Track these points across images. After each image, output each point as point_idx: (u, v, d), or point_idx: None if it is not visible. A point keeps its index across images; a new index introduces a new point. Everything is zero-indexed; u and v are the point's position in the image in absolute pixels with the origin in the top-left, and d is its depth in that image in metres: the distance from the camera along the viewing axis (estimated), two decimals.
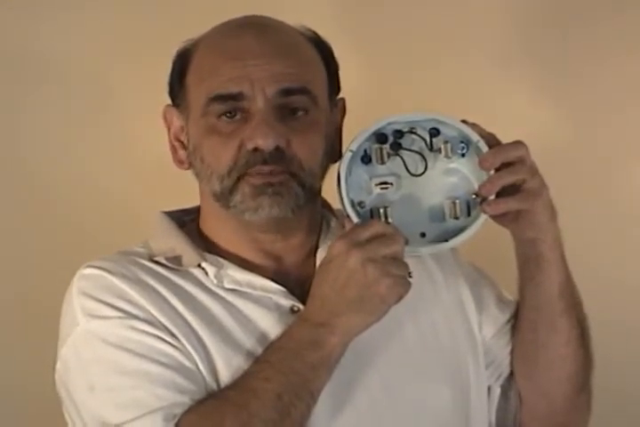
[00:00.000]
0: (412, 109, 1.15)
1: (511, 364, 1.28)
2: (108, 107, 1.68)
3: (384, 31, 1.71)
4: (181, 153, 1.21)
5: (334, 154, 1.18)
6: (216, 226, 1.21)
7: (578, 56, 1.73)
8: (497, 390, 1.28)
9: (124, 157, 1.68)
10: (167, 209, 1.26)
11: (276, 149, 1.11)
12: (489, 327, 1.27)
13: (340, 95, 1.24)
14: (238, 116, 1.13)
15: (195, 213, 1.26)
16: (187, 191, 1.22)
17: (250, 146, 1.12)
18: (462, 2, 1.73)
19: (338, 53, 1.21)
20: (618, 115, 1.73)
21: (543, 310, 1.22)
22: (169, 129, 1.22)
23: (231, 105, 1.13)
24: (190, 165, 1.19)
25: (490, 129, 1.15)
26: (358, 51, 1.67)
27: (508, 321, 1.28)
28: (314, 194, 1.18)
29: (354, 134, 1.14)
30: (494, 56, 1.73)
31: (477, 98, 1.69)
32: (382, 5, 1.71)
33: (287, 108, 1.13)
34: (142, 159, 1.67)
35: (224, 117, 1.13)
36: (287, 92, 1.13)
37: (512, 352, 1.28)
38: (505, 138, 1.14)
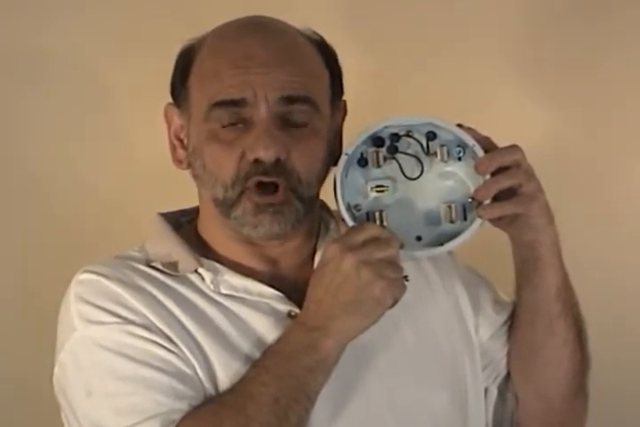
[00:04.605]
0: (414, 111, 1.15)
1: (508, 365, 1.28)
2: (106, 107, 1.69)
3: (387, 33, 1.71)
4: (180, 152, 1.21)
5: (335, 157, 1.18)
6: (213, 229, 1.21)
7: (578, 56, 1.73)
8: (494, 392, 1.29)
9: (122, 157, 1.69)
10: (165, 210, 1.26)
11: (276, 160, 1.11)
12: (486, 329, 1.27)
13: (343, 97, 1.23)
14: (240, 124, 1.13)
15: (193, 213, 1.26)
16: (185, 192, 1.22)
17: (251, 157, 1.12)
18: (465, 4, 1.73)
19: (340, 54, 1.21)
20: (618, 115, 1.73)
21: (540, 311, 1.22)
22: (169, 127, 1.22)
23: (233, 112, 1.13)
24: (189, 166, 1.19)
25: (491, 130, 1.15)
26: (361, 52, 1.67)
27: (505, 323, 1.28)
28: (312, 203, 1.18)
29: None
30: (497, 59, 1.73)
31: (479, 99, 1.70)
32: (386, 7, 1.71)
33: (289, 117, 1.13)
34: (140, 159, 1.67)
35: (225, 124, 1.13)
36: (289, 100, 1.12)
37: (509, 353, 1.28)
38: (506, 139, 1.14)
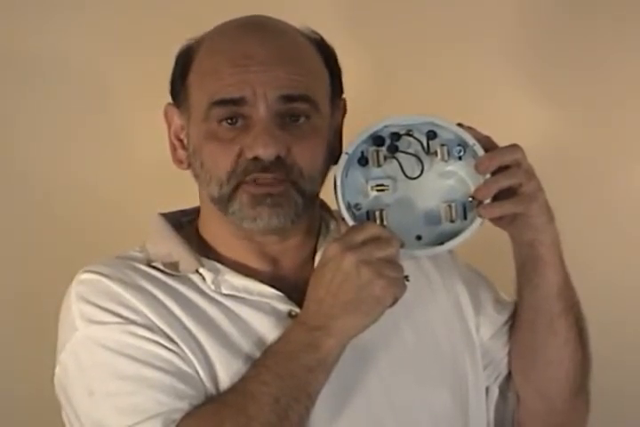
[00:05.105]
0: (414, 111, 1.15)
1: (509, 364, 1.29)
2: (106, 107, 1.68)
3: (387, 32, 1.71)
4: (181, 152, 1.21)
5: (335, 155, 1.18)
6: (214, 228, 1.21)
7: (578, 56, 1.73)
8: (495, 391, 1.29)
9: (122, 157, 1.68)
10: (165, 210, 1.26)
11: (276, 158, 1.11)
12: (487, 328, 1.27)
13: (343, 96, 1.23)
14: (239, 123, 1.13)
15: (193, 213, 1.26)
16: (185, 192, 1.22)
17: (250, 155, 1.11)
18: (465, 4, 1.73)
19: (340, 54, 1.21)
20: (618, 115, 1.73)
21: (541, 310, 1.22)
22: (169, 127, 1.22)
23: (232, 110, 1.12)
24: (189, 166, 1.19)
25: (491, 130, 1.15)
26: (361, 51, 1.67)
27: (506, 322, 1.29)
28: (313, 199, 1.18)
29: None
30: (497, 59, 1.73)
31: (479, 98, 1.70)
32: (385, 6, 1.71)
33: (288, 115, 1.13)
34: (140, 159, 1.67)
35: (225, 123, 1.13)
36: (289, 99, 1.12)
37: (510, 353, 1.28)
38: (506, 138, 1.14)
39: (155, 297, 1.13)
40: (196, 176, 1.18)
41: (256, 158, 1.11)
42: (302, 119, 1.14)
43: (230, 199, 1.14)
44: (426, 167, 1.15)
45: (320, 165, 1.16)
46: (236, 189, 1.13)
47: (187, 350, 1.10)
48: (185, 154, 1.20)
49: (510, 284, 1.25)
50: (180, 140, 1.21)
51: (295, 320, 1.11)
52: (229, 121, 1.13)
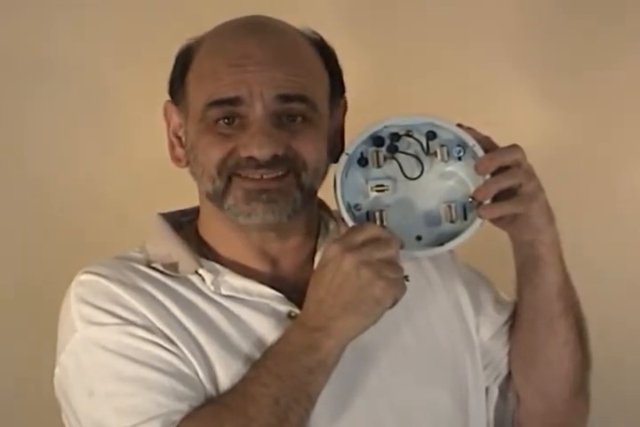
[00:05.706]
0: (414, 111, 1.15)
1: (509, 364, 1.29)
2: (106, 107, 1.68)
3: (388, 32, 1.71)
4: (179, 150, 1.21)
5: (336, 154, 1.17)
6: (213, 227, 1.21)
7: (578, 56, 1.73)
8: (495, 391, 1.29)
9: (123, 158, 1.68)
10: (165, 210, 1.25)
11: (273, 157, 1.11)
12: (487, 329, 1.27)
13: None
14: (236, 122, 1.13)
15: (193, 213, 1.26)
16: (185, 192, 1.22)
17: (244, 154, 1.11)
18: (466, 4, 1.73)
19: (340, 54, 1.21)
20: (618, 114, 1.73)
21: (541, 310, 1.22)
22: (168, 125, 1.22)
23: (229, 110, 1.12)
24: (187, 163, 1.19)
25: (491, 130, 1.15)
26: (361, 52, 1.67)
27: (506, 322, 1.29)
28: (312, 195, 1.18)
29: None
30: (497, 58, 1.73)
31: (479, 99, 1.70)
32: (385, 6, 1.71)
33: (285, 115, 1.12)
34: (140, 160, 1.67)
35: (221, 123, 1.13)
36: (286, 99, 1.12)
37: (510, 353, 1.28)
38: (506, 138, 1.14)
39: (154, 298, 1.13)
40: (193, 173, 1.18)
41: (250, 158, 1.11)
42: (299, 119, 1.13)
43: (225, 195, 1.13)
44: (426, 168, 1.15)
45: (324, 156, 1.16)
46: (229, 183, 1.13)
47: (186, 352, 1.10)
48: (183, 152, 1.20)
49: (510, 284, 1.25)
50: (179, 138, 1.21)
51: (295, 321, 1.11)
52: (226, 121, 1.13)
